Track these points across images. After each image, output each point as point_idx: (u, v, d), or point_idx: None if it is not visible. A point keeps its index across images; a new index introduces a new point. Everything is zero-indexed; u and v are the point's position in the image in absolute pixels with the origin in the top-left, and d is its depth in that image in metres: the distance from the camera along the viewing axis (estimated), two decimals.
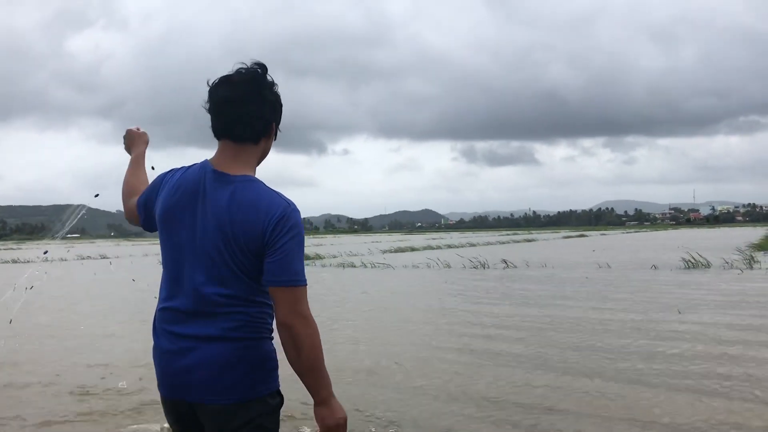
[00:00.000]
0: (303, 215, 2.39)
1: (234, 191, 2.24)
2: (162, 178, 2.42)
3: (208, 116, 2.30)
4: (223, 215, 2.23)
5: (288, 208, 2.22)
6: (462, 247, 30.39)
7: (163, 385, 2.25)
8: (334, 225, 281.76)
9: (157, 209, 2.36)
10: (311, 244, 43.75)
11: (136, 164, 2.66)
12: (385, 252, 26.23)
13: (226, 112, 2.26)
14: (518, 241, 39.65)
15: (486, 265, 15.42)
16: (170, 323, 2.25)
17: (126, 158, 2.75)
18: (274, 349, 2.23)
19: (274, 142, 2.44)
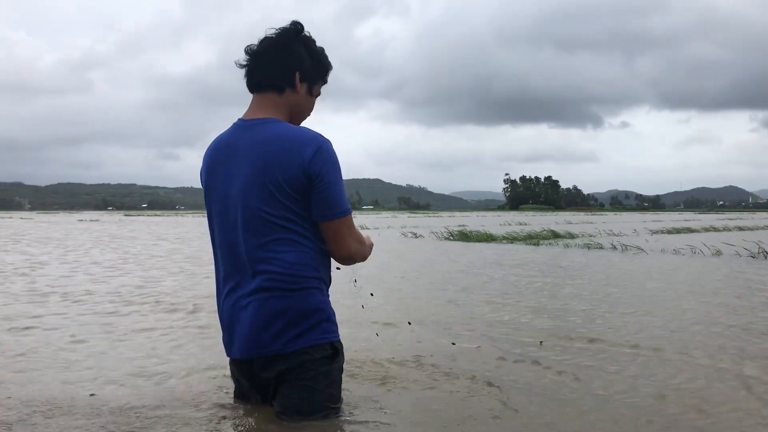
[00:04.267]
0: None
1: (258, 131, 2.43)
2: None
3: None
4: (252, 154, 2.39)
5: (321, 138, 2.41)
6: (756, 230, 25.27)
7: None
8: (622, 202, 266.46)
9: (202, 176, 2.59)
10: (580, 221, 40.52)
11: None
12: (654, 233, 22.68)
13: (250, 65, 2.54)
14: None
15: (767, 254, 11.85)
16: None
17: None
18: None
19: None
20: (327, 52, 2.67)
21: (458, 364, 3.74)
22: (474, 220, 42.44)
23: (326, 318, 2.50)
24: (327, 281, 2.58)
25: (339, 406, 2.59)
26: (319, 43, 2.64)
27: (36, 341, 4.43)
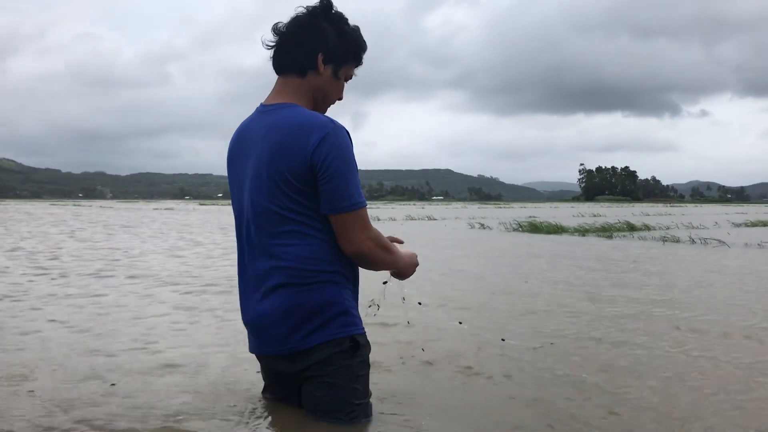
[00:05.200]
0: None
1: (270, 118, 2.30)
2: None
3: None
4: (262, 143, 2.28)
5: (331, 125, 2.21)
6: None
7: None
8: (703, 193, 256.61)
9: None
10: (657, 212, 38.93)
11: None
12: (738, 225, 21.43)
13: (276, 44, 2.40)
14: None
15: None
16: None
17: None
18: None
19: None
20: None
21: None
22: (546, 212, 41.41)
23: (342, 311, 2.35)
24: (347, 274, 2.41)
25: (366, 402, 2.45)
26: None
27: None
